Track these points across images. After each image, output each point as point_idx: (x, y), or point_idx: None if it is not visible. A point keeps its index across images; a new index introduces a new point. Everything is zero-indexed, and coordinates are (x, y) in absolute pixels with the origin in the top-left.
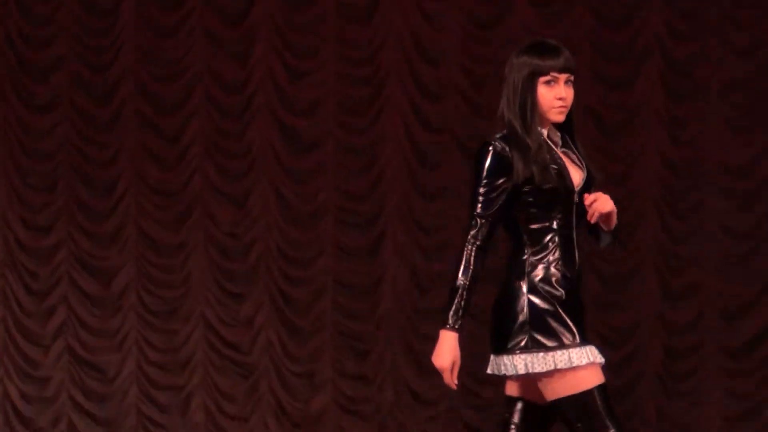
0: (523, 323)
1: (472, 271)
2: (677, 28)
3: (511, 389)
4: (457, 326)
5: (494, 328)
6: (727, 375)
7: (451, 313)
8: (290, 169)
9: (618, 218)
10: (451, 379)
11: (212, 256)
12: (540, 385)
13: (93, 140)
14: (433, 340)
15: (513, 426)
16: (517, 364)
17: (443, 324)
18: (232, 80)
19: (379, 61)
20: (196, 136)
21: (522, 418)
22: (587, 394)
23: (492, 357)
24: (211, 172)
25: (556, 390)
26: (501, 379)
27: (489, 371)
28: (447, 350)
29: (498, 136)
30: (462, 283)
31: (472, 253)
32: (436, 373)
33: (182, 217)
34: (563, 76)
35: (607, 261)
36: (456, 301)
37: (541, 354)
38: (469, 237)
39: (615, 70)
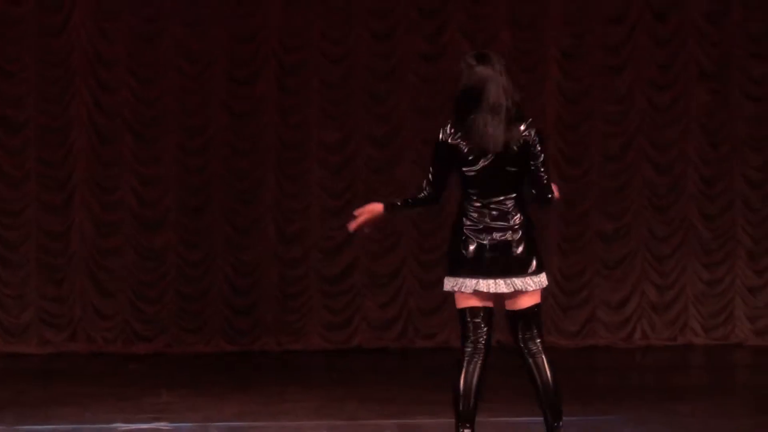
0: None
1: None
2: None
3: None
4: (389, 203)
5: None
6: (324, 296)
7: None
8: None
9: None
10: (354, 224)
11: None
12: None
13: None
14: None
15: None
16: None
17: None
18: None
19: (68, 64)
20: None
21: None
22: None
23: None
24: None
25: None
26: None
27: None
28: (369, 207)
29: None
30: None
31: None
32: (112, 296)
33: None
34: None
35: (239, 214)
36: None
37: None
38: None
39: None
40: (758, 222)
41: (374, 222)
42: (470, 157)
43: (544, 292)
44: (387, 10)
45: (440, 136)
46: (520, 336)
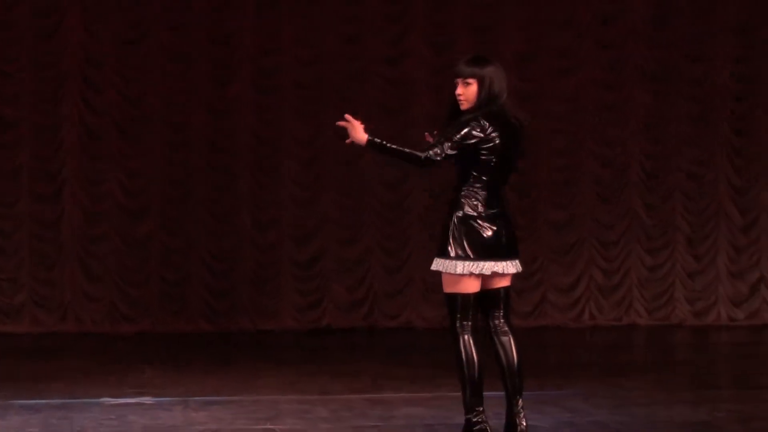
0: None
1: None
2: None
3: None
4: (372, 139)
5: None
6: (295, 280)
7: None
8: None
9: None
10: (341, 123)
11: None
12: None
13: None
14: (96, 258)
15: None
16: None
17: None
18: None
19: (60, 66)
20: None
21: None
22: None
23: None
24: None
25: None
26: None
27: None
28: (358, 128)
29: None
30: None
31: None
32: (99, 280)
33: None
34: (459, 80)
35: (217, 204)
36: (396, 145)
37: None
38: None
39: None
40: (696, 211)
41: (352, 138)
42: (496, 149)
43: None
44: (354, 17)
45: (477, 126)
46: (494, 315)
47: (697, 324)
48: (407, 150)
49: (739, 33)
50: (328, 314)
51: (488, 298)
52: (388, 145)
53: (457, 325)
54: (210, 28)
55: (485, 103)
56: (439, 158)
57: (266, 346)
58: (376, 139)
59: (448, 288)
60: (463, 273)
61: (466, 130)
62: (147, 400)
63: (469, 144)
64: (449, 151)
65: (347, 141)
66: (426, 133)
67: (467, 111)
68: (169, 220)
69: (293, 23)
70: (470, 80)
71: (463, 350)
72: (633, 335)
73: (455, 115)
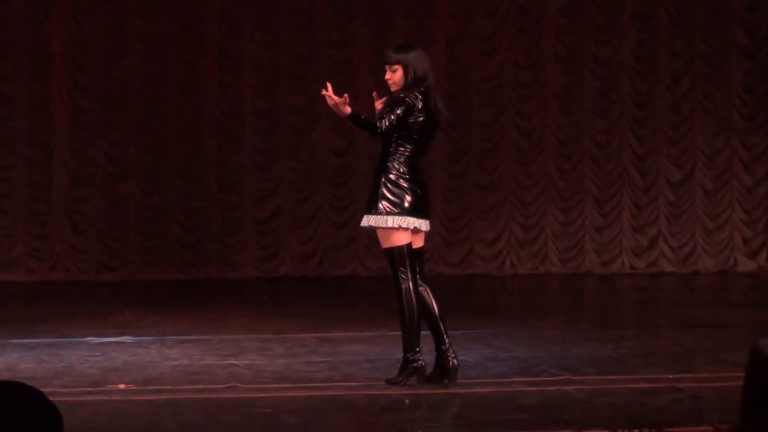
0: None
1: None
2: None
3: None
4: (354, 113)
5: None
6: (256, 234)
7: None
8: None
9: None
10: (325, 92)
11: None
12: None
13: None
14: (82, 215)
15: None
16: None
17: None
18: None
19: (50, 49)
20: None
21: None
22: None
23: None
24: None
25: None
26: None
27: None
28: (341, 103)
29: None
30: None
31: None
32: (85, 234)
33: None
34: (386, 66)
35: (187, 168)
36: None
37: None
38: None
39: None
40: (603, 175)
41: (335, 110)
42: (421, 125)
43: (432, 231)
44: (306, 7)
45: (414, 103)
46: (418, 269)
47: (603, 272)
48: (371, 120)
49: (637, 20)
50: (284, 264)
51: (414, 255)
52: (363, 117)
53: (400, 276)
54: (180, 17)
55: (413, 85)
56: (385, 129)
57: (230, 292)
58: (358, 115)
59: (385, 243)
60: (393, 226)
61: (403, 107)
62: (127, 339)
63: (404, 118)
64: (394, 123)
65: (331, 104)
66: (374, 93)
67: (398, 92)
68: (146, 182)
69: (253, 12)
70: (396, 66)
71: (404, 299)
72: (548, 282)
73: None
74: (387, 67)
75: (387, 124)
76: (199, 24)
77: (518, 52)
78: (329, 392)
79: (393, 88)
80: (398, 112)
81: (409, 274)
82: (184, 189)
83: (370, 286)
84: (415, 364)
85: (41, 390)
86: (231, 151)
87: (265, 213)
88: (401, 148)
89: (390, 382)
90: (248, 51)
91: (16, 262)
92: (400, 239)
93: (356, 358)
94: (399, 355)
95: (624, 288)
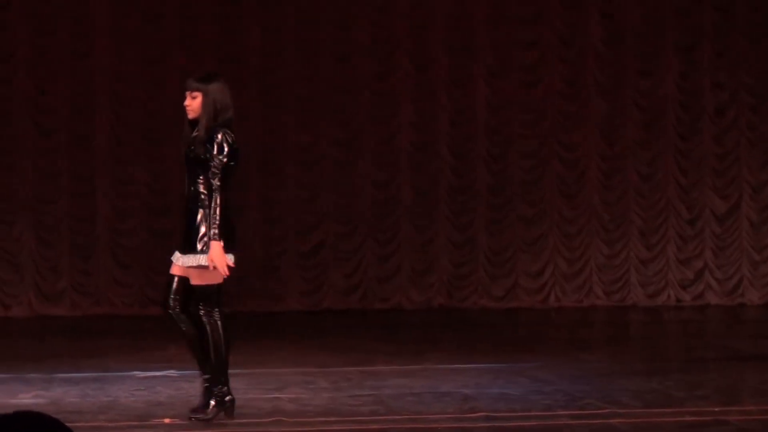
0: None
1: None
2: None
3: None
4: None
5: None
6: (299, 268)
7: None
8: None
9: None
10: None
11: None
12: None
13: None
14: (126, 249)
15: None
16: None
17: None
18: None
19: (92, 82)
20: None
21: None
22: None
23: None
24: None
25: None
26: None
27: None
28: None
29: None
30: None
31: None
32: (129, 268)
33: None
34: (188, 93)
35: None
36: (217, 215)
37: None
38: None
39: None
40: (648, 207)
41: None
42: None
43: (476, 264)
44: (347, 39)
45: (232, 142)
46: (194, 304)
47: (648, 305)
48: (219, 206)
49: (680, 51)
50: (328, 298)
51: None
52: (217, 221)
53: (216, 311)
54: (221, 50)
55: (213, 116)
56: (220, 177)
57: (274, 326)
58: (215, 233)
59: (203, 280)
60: (231, 264)
61: (228, 149)
62: (172, 373)
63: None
64: (221, 168)
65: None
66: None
67: (196, 120)
68: None
69: (294, 45)
70: (196, 93)
71: (226, 336)
72: (593, 315)
73: (191, 123)
74: (187, 93)
75: (219, 174)
76: (240, 57)
77: (560, 82)
78: (374, 426)
79: (191, 115)
80: (223, 158)
81: (222, 310)
82: None
83: (414, 319)
84: (229, 397)
85: (83, 423)
86: (274, 184)
87: (309, 246)
88: (225, 184)
89: (198, 418)
90: (289, 84)
91: (61, 296)
92: (220, 276)
93: (401, 392)
94: (444, 387)
95: (669, 320)
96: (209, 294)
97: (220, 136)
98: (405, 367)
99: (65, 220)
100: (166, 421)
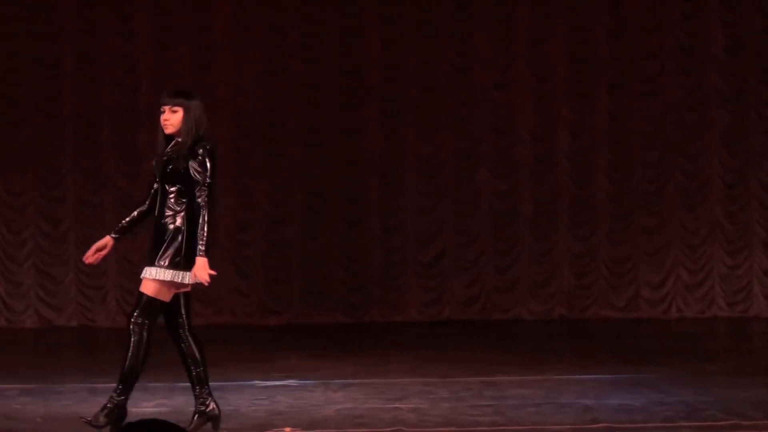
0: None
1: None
2: None
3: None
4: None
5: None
6: (419, 277)
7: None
8: None
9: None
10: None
11: None
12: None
13: None
14: (247, 259)
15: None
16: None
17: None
18: None
19: (215, 94)
20: None
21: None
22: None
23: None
24: None
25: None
26: (288, 279)
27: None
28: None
29: None
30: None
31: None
32: (251, 279)
33: None
34: (167, 107)
35: (349, 212)
36: (204, 233)
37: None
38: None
39: None
40: None
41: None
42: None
43: (597, 274)
44: (467, 50)
45: (214, 158)
46: (183, 320)
47: None
48: (206, 226)
49: None
50: (448, 308)
51: (175, 305)
52: (204, 238)
53: (150, 326)
54: (341, 61)
55: (193, 131)
56: (207, 194)
57: (394, 336)
58: (201, 249)
59: (159, 294)
60: (185, 281)
61: (211, 165)
62: (292, 382)
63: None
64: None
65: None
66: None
67: (171, 135)
68: (308, 226)
69: (414, 56)
70: (177, 108)
71: (145, 351)
72: (715, 326)
73: (167, 138)
74: (167, 108)
75: (207, 193)
76: (361, 68)
77: (681, 92)
78: None
79: (169, 130)
80: (211, 175)
81: (152, 327)
82: (347, 232)
83: (534, 330)
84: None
85: None
86: (394, 194)
87: (429, 256)
88: (187, 199)
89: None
90: (409, 94)
91: None
92: (171, 293)
93: (521, 402)
94: (565, 398)
95: None
96: (153, 308)
97: (202, 152)
98: (525, 377)
99: None
100: (287, 430)
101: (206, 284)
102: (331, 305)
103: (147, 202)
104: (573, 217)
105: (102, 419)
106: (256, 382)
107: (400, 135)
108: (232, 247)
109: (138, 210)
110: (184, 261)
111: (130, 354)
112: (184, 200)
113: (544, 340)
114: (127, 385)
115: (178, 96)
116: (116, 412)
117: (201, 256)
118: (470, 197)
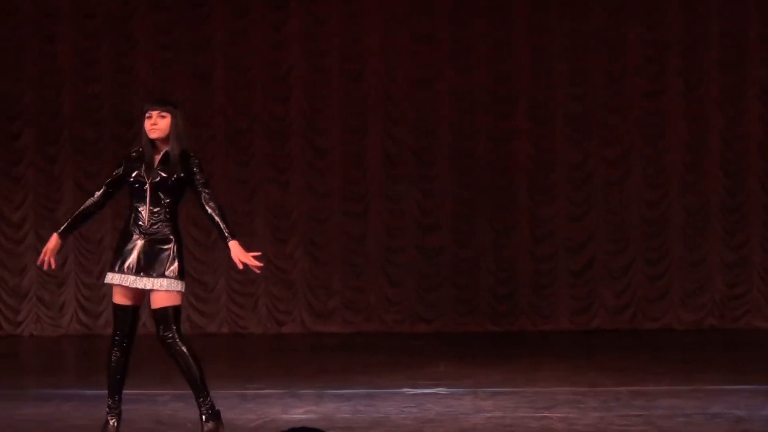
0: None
1: None
2: None
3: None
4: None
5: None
6: (569, 286)
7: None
8: None
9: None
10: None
11: None
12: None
13: None
14: (397, 266)
15: None
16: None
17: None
18: None
19: (365, 102)
20: None
21: None
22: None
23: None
24: None
25: None
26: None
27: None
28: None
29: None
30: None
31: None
32: (400, 286)
33: None
34: (155, 112)
35: (499, 220)
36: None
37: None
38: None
39: None
40: None
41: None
42: None
43: (750, 284)
44: (618, 57)
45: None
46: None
47: None
48: (224, 215)
49: None
50: (598, 317)
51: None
52: (229, 224)
53: (181, 333)
54: (491, 69)
55: (180, 138)
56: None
57: (543, 344)
58: (228, 233)
59: (170, 302)
60: (182, 290)
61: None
62: (441, 390)
63: None
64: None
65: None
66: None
67: (159, 139)
68: (458, 233)
69: (565, 63)
70: (165, 113)
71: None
72: None
73: (151, 143)
74: (154, 113)
75: (210, 190)
76: (511, 75)
77: None
78: None
79: (156, 134)
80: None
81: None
82: (497, 240)
83: (685, 339)
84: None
85: None
86: (543, 202)
87: (579, 264)
88: (175, 208)
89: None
90: (560, 102)
91: (332, 313)
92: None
93: (672, 412)
94: (716, 409)
95: None
96: (177, 316)
97: (198, 161)
98: (675, 387)
99: (338, 238)
100: None
101: (256, 265)
102: (481, 313)
103: (102, 202)
104: (725, 225)
105: (211, 425)
106: (406, 389)
107: (549, 142)
108: (382, 255)
109: (92, 206)
110: (184, 270)
111: (184, 368)
112: (176, 210)
113: (694, 349)
114: (202, 389)
115: (167, 102)
116: (216, 411)
117: (234, 239)
118: (620, 205)
